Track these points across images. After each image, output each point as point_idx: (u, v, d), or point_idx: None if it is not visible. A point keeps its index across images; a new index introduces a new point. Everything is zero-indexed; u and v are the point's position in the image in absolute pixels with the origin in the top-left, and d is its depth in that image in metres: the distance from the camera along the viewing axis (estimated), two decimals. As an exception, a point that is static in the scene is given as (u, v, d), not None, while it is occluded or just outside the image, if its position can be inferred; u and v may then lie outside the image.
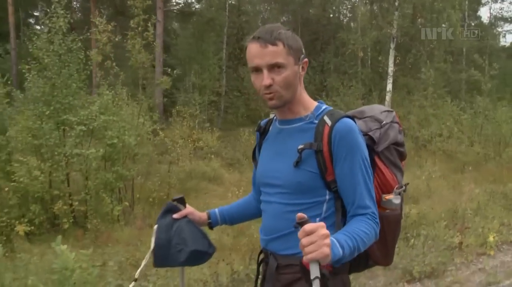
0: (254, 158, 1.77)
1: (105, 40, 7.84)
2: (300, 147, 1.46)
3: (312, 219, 1.36)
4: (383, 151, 1.62)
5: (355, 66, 22.52)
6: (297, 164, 1.46)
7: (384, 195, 1.58)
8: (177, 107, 13.49)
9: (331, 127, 1.45)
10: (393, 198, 1.59)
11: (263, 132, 1.69)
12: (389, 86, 18.70)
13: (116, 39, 8.11)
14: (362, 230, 1.38)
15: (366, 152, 1.48)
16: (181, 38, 20.22)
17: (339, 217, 1.50)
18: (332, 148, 1.44)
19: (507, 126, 14.08)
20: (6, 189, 6.69)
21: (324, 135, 1.45)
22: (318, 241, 1.18)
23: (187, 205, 1.75)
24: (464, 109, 16.60)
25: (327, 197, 1.49)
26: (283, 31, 1.44)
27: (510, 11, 31.03)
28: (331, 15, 28.10)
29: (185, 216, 1.71)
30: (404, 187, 1.65)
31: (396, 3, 17.62)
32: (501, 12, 31.77)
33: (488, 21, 30.56)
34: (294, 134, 1.53)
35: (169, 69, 11.72)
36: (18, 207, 7.02)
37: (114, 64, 7.89)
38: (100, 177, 7.20)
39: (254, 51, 1.43)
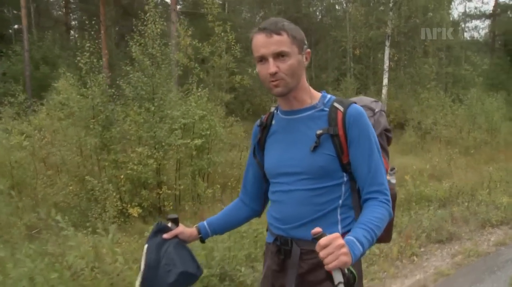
0: (254, 154, 1.75)
1: (187, 43, 8.80)
2: (319, 132, 1.52)
3: (334, 201, 1.55)
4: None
5: (347, 63, 24.09)
6: (315, 148, 1.52)
7: None
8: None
9: (344, 113, 1.53)
10: (391, 178, 1.71)
11: (264, 128, 1.71)
12: (385, 81, 20.36)
13: (195, 42, 9.03)
14: (377, 217, 1.45)
15: (375, 133, 1.60)
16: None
17: (356, 197, 1.59)
18: (346, 131, 1.52)
19: (497, 115, 16.07)
20: (122, 176, 7.61)
21: (338, 120, 1.53)
22: (335, 252, 1.23)
23: (179, 224, 1.75)
24: (455, 101, 18.47)
25: (344, 179, 1.57)
26: (287, 23, 1.51)
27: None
28: (321, 15, 29.67)
29: (176, 236, 1.71)
30: (394, 169, 1.81)
31: (391, 4, 19.28)
32: (472, 10, 34.51)
33: (461, 18, 33.27)
34: (306, 123, 1.58)
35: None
36: (126, 193, 7.95)
37: (196, 65, 8.88)
38: (194, 164, 8.26)
39: (260, 41, 1.49)
